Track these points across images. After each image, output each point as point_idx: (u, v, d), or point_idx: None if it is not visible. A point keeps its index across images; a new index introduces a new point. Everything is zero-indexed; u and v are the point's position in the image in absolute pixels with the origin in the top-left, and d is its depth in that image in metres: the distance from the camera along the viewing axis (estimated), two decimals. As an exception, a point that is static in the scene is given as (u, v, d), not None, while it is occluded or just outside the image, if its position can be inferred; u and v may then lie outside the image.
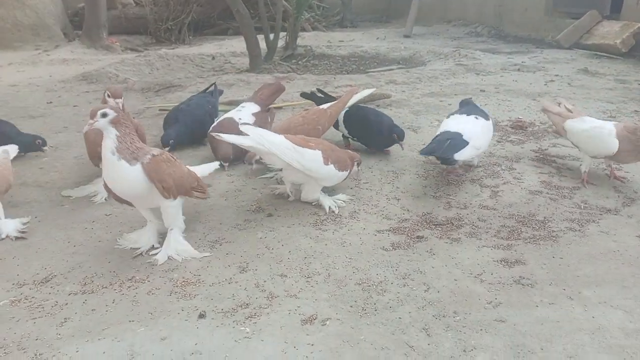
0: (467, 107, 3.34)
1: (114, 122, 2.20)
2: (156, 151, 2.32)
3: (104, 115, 2.18)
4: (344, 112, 3.53)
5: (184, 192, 2.40)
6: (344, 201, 2.87)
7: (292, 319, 1.92)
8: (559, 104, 3.43)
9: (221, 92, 4.50)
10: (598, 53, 6.91)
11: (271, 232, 2.56)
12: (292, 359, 1.72)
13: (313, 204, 2.82)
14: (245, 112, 3.47)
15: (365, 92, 3.67)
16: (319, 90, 4.04)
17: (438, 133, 3.09)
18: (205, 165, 2.80)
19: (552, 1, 8.61)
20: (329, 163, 2.75)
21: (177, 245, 2.37)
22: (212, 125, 3.43)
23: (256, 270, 2.24)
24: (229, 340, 1.81)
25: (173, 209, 2.37)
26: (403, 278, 2.18)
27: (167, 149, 3.52)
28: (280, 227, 2.61)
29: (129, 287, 2.15)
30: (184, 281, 2.17)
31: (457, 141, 2.97)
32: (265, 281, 2.16)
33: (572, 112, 3.27)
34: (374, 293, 2.08)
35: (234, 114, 3.47)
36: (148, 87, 5.84)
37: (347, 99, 3.40)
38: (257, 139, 2.60)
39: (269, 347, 1.77)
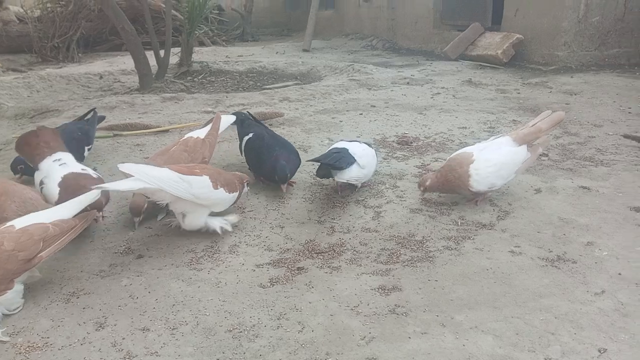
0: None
1: None
2: None
3: None
4: (246, 139, 3.37)
5: (12, 276, 2.06)
6: (233, 223, 2.76)
7: (148, 382, 1.74)
8: None
9: (102, 119, 4.20)
10: (482, 64, 7.29)
11: (138, 277, 2.35)
12: None
13: (202, 230, 2.68)
14: None
15: (230, 117, 3.52)
16: (249, 113, 3.83)
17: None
18: (72, 201, 2.42)
19: (439, 15, 8.99)
20: (219, 187, 2.63)
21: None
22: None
23: (115, 325, 2.03)
24: (71, 418, 1.59)
25: (6, 298, 2.07)
26: (278, 318, 2.06)
27: (17, 176, 3.21)
28: (149, 270, 2.41)
29: (-39, 360, 1.86)
30: (29, 346, 1.91)
31: (344, 154, 2.98)
32: (123, 338, 1.95)
33: None
34: (244, 340, 1.94)
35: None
36: (23, 112, 5.35)
37: (217, 126, 3.23)
38: (142, 177, 2.38)
39: (116, 421, 1.58)
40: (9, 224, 2.18)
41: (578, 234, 2.67)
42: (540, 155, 2.97)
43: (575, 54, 7.02)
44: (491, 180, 2.89)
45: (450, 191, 3.01)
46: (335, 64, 7.86)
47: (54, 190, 2.64)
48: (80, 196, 2.46)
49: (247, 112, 3.94)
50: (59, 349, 1.91)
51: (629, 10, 7.07)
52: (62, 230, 2.24)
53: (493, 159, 2.89)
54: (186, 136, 3.20)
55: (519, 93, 5.70)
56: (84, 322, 2.05)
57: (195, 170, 2.62)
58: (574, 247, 2.54)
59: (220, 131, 3.30)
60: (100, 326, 2.02)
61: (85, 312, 2.11)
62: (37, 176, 2.84)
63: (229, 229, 2.72)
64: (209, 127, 3.28)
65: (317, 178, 3.26)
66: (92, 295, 2.22)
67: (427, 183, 2.95)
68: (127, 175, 2.44)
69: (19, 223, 2.18)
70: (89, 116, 3.93)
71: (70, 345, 1.93)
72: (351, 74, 6.91)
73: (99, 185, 2.34)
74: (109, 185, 2.37)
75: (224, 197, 2.69)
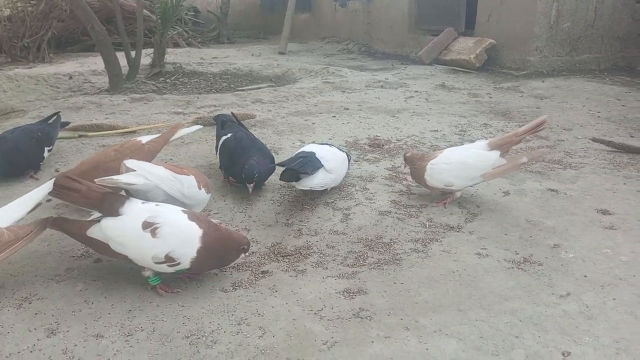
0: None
1: None
2: None
3: None
4: (223, 138, 3.29)
5: None
6: None
7: (98, 391, 1.66)
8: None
9: (66, 124, 4.07)
10: (456, 68, 7.34)
11: (95, 281, 2.26)
12: None
13: None
14: None
15: (191, 129, 3.42)
16: (233, 115, 3.75)
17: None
18: (18, 201, 2.30)
19: (414, 19, 9.04)
20: (201, 187, 2.60)
21: None
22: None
23: (68, 331, 1.94)
24: None
25: None
26: (238, 324, 2.00)
27: None
28: (107, 275, 2.32)
29: None
30: (-27, 355, 1.82)
31: (310, 158, 2.94)
32: (75, 345, 1.87)
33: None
34: (202, 346, 1.87)
35: None
36: (-14, 113, 5.19)
37: (170, 135, 3.13)
38: (143, 173, 2.35)
39: None
40: None
41: (545, 236, 2.67)
42: (523, 164, 2.92)
43: (546, 59, 7.12)
44: (446, 177, 2.91)
45: (416, 180, 3.08)
46: (310, 66, 7.83)
47: None
48: (33, 191, 2.36)
49: (232, 113, 3.88)
50: (6, 357, 1.81)
51: (599, 17, 7.21)
52: (16, 237, 2.14)
53: (453, 157, 2.92)
54: (132, 138, 3.12)
55: (490, 97, 5.74)
56: (35, 329, 1.95)
57: (184, 170, 2.61)
58: (541, 250, 2.53)
59: (174, 138, 3.20)
60: (52, 333, 1.93)
61: (37, 318, 2.02)
62: None
63: None
64: (160, 134, 3.19)
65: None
66: (45, 301, 2.13)
67: (407, 154, 3.11)
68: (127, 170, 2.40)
69: None
70: (52, 119, 3.82)
71: (18, 352, 1.83)
72: (326, 76, 6.88)
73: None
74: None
75: (204, 197, 2.66)
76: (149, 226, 2.09)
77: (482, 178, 2.92)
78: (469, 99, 5.62)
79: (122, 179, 2.31)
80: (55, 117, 3.82)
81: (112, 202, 2.18)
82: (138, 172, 2.36)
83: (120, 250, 2.12)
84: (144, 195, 2.38)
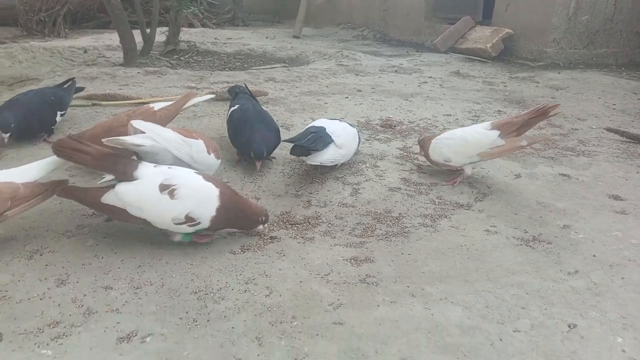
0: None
1: None
2: None
3: None
4: (231, 109, 3.29)
5: None
6: None
7: (106, 338, 1.68)
8: None
9: (81, 89, 4.07)
10: (471, 57, 7.27)
11: (105, 238, 2.29)
12: (95, 385, 1.49)
13: None
14: None
15: (204, 98, 3.42)
16: (246, 87, 3.73)
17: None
18: (38, 162, 2.34)
19: (431, 7, 8.97)
20: (210, 152, 2.62)
21: None
22: None
23: (77, 282, 1.96)
24: (23, 368, 1.53)
25: None
26: (246, 283, 2.02)
27: (7, 135, 3.08)
28: (117, 232, 2.34)
29: None
30: (-16, 299, 1.84)
31: (321, 134, 2.92)
32: (85, 295, 1.89)
33: None
34: (210, 302, 1.89)
35: None
36: (1, 80, 5.22)
37: (182, 104, 3.11)
38: (152, 135, 2.36)
39: (69, 372, 1.52)
40: None
41: (555, 217, 2.66)
42: (522, 146, 2.89)
43: (563, 51, 7.04)
44: (445, 152, 2.94)
45: (425, 157, 3.13)
46: (324, 50, 7.80)
47: None
48: (49, 158, 2.39)
49: (244, 85, 3.87)
50: (16, 302, 1.84)
51: (619, 11, 7.10)
52: (32, 193, 2.17)
53: (456, 134, 2.97)
54: (145, 105, 3.12)
55: (505, 86, 5.69)
56: (45, 278, 1.98)
57: (193, 134, 2.62)
58: (550, 229, 2.52)
59: (186, 107, 3.20)
60: (62, 283, 1.96)
61: (48, 269, 2.04)
62: None
63: None
64: (172, 102, 3.19)
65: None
66: (56, 254, 2.15)
67: (421, 137, 3.19)
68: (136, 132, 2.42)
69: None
70: (67, 85, 3.83)
71: (29, 299, 1.86)
72: (340, 59, 6.85)
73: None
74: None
75: (214, 162, 2.69)
76: (166, 188, 2.09)
77: (479, 157, 2.89)
78: (484, 87, 5.58)
79: (130, 140, 2.31)
80: (70, 82, 3.83)
81: (125, 166, 2.17)
82: (146, 134, 2.37)
83: (138, 215, 2.12)
84: (152, 157, 2.39)
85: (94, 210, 2.29)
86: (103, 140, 2.22)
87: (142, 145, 2.34)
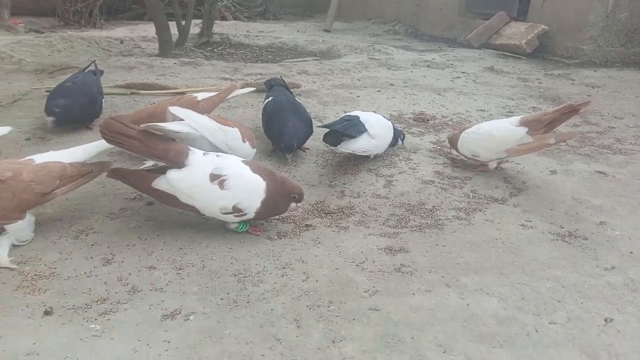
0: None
1: None
2: None
3: None
4: (265, 101, 3.34)
5: (26, 206, 2.08)
6: None
7: (151, 315, 1.75)
8: None
9: (101, 73, 4.09)
10: (505, 53, 7.18)
11: (147, 221, 2.37)
12: (142, 358, 1.55)
13: None
14: None
15: (245, 90, 3.47)
16: (281, 79, 3.79)
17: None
18: (84, 146, 2.44)
19: (465, 2, 8.87)
20: (245, 141, 2.68)
21: None
22: None
23: (122, 262, 2.04)
24: (74, 339, 1.61)
25: (17, 227, 2.09)
26: (283, 268, 2.07)
27: (51, 119, 3.19)
28: (158, 216, 2.42)
29: (-31, 282, 1.89)
30: (36, 274, 1.93)
31: (355, 122, 2.95)
32: (130, 274, 1.97)
33: None
34: (249, 284, 1.95)
35: None
36: (42, 68, 5.38)
37: (225, 96, 3.18)
38: (190, 122, 2.43)
39: (117, 345, 1.59)
40: (28, 157, 2.20)
41: (591, 213, 2.63)
42: (549, 144, 2.85)
43: (600, 49, 6.90)
44: (473, 147, 2.97)
45: (454, 149, 3.16)
46: (355, 44, 7.80)
47: None
48: (97, 142, 2.48)
49: (280, 77, 3.92)
50: (65, 279, 1.93)
51: (660, 8, 6.91)
52: (79, 173, 2.26)
53: (483, 128, 2.98)
54: (188, 95, 3.18)
55: (540, 83, 5.61)
56: (92, 257, 2.07)
57: (228, 122, 2.68)
58: (586, 225, 2.51)
59: (228, 98, 3.26)
60: (108, 262, 2.04)
61: (93, 249, 2.13)
62: None
63: None
64: (215, 93, 3.25)
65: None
66: (101, 234, 2.24)
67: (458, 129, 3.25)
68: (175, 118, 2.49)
69: (39, 158, 2.21)
70: (89, 68, 3.88)
71: (76, 276, 1.94)
72: (371, 53, 6.85)
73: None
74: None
75: (249, 151, 2.75)
76: (217, 178, 2.14)
77: (506, 154, 2.89)
78: (518, 83, 5.52)
79: (169, 126, 2.36)
80: (91, 65, 3.88)
81: (177, 153, 2.19)
82: (185, 122, 2.43)
83: (188, 202, 2.17)
84: (190, 144, 2.45)
85: (144, 193, 2.35)
86: (142, 125, 2.25)
87: (180, 132, 2.40)
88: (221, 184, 2.13)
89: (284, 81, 3.79)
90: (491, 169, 3.02)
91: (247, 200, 2.17)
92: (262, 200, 2.19)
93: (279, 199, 2.27)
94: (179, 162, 2.17)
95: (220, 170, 2.16)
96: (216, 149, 2.54)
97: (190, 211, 2.24)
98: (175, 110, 2.50)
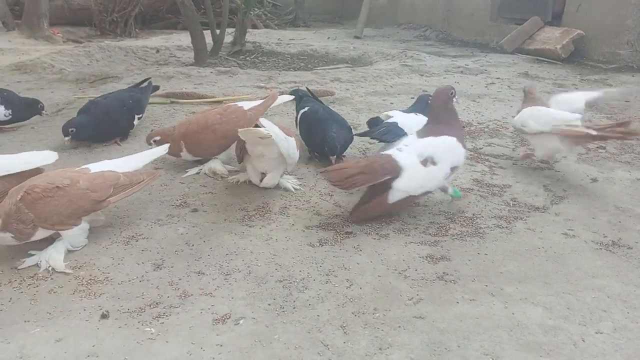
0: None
1: None
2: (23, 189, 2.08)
3: None
4: (301, 112, 3.42)
5: (82, 213, 2.18)
6: (295, 184, 2.94)
7: (203, 319, 1.81)
8: None
9: (157, 88, 4.24)
10: (539, 58, 7.10)
11: (193, 227, 2.44)
12: (197, 360, 1.61)
13: (276, 187, 2.88)
14: None
15: (286, 98, 3.52)
16: (308, 90, 3.89)
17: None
18: (141, 154, 2.59)
19: (497, 7, 8.80)
20: (298, 149, 2.83)
21: (53, 252, 2.13)
22: None
23: (172, 267, 2.11)
24: (131, 342, 1.68)
25: (73, 233, 2.19)
26: (327, 274, 2.10)
27: (67, 138, 3.28)
28: (204, 223, 2.49)
29: (30, 284, 1.98)
30: (90, 279, 2.02)
31: (393, 127, 3.00)
32: (180, 279, 2.04)
33: None
34: (294, 290, 1.99)
35: None
36: (83, 77, 5.57)
37: (269, 104, 3.22)
38: (275, 130, 2.62)
39: (173, 348, 1.65)
40: (84, 166, 2.31)
41: (634, 222, 2.60)
42: (590, 135, 2.86)
43: (638, 53, 6.75)
44: (524, 117, 3.17)
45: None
46: (387, 50, 7.82)
47: None
48: (150, 150, 2.61)
49: (306, 87, 3.99)
50: (118, 284, 2.00)
51: (700, 11, 6.73)
52: (131, 182, 2.36)
53: (545, 109, 3.18)
54: (233, 104, 3.25)
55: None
56: (143, 262, 2.14)
57: (289, 132, 2.81)
58: (630, 234, 2.48)
59: (272, 106, 3.33)
60: (158, 267, 2.11)
61: (144, 254, 2.21)
62: None
63: (297, 188, 2.90)
64: (260, 101, 3.32)
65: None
66: (150, 240, 2.32)
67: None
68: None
69: (95, 167, 2.31)
70: (143, 85, 4.02)
71: (129, 281, 2.02)
72: (403, 60, 6.86)
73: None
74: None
75: (298, 159, 2.90)
76: (427, 161, 2.48)
77: (550, 129, 2.97)
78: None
79: (273, 128, 2.58)
80: (146, 82, 4.02)
81: (386, 164, 2.46)
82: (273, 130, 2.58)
83: (423, 192, 2.53)
84: (264, 147, 2.68)
85: (383, 213, 2.56)
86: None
87: (276, 135, 2.59)
88: (432, 162, 2.48)
89: (310, 91, 3.84)
90: (539, 156, 3.14)
91: (453, 156, 2.54)
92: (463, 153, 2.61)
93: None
94: (397, 171, 2.45)
95: (421, 155, 2.49)
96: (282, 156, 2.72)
97: (417, 200, 2.64)
98: (262, 121, 2.68)
